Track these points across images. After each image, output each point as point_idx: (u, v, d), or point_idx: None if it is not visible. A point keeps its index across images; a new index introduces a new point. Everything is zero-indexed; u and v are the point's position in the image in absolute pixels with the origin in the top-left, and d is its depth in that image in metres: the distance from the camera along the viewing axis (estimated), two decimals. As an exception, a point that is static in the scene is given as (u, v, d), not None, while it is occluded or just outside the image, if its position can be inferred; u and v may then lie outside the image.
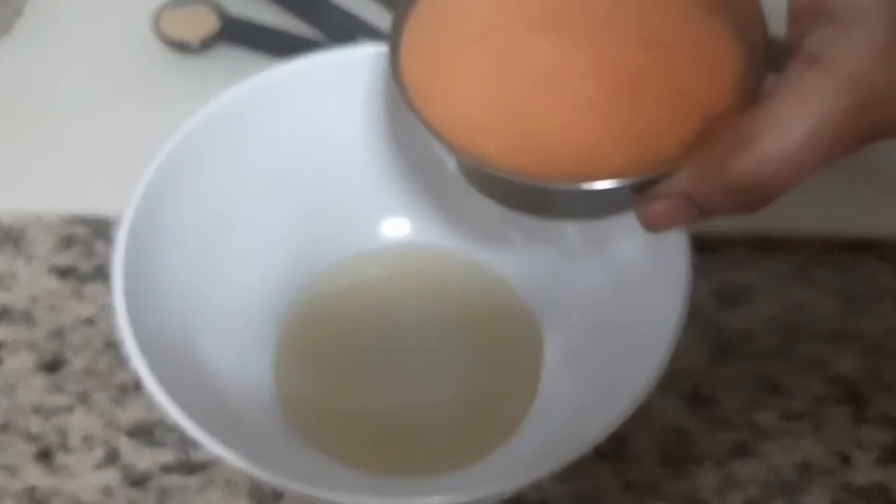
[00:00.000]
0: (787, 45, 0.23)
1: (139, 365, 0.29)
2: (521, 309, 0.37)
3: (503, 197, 0.27)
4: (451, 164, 0.26)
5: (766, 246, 0.41)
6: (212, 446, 0.28)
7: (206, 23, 0.46)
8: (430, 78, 0.26)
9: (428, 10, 0.27)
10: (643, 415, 0.36)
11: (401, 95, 0.25)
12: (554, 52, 0.25)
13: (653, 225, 0.25)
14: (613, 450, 0.35)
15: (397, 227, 0.39)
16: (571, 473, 0.35)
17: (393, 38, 0.26)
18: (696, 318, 0.38)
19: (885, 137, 0.23)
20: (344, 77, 0.36)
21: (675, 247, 0.32)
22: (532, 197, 0.26)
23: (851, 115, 0.22)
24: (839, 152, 0.23)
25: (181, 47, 0.46)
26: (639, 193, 0.24)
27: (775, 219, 0.42)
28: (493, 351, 0.36)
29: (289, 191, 0.38)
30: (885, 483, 0.35)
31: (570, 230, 0.37)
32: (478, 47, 0.26)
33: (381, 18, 0.46)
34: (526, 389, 0.35)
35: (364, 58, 0.36)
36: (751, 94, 0.24)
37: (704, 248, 0.40)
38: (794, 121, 0.22)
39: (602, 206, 0.25)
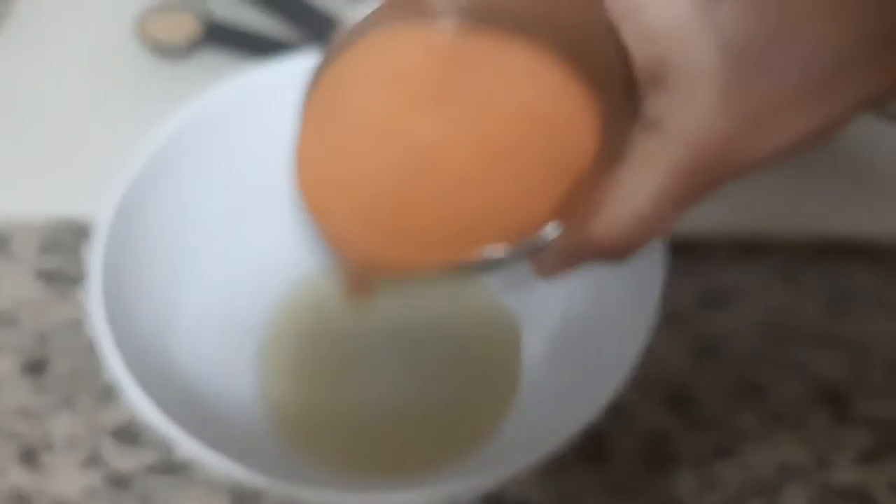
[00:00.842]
0: None
1: (115, 364, 0.29)
2: (499, 310, 0.37)
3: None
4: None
5: (749, 248, 0.41)
6: (188, 447, 0.28)
7: (189, 26, 0.47)
8: (319, 170, 0.26)
9: (322, 94, 0.27)
10: (624, 416, 0.36)
11: (297, 197, 0.26)
12: (434, 129, 0.25)
13: (544, 275, 0.27)
14: (594, 451, 0.35)
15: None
16: (552, 474, 0.35)
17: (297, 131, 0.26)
18: (678, 320, 0.39)
19: (728, 182, 0.25)
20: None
21: (650, 248, 0.32)
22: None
23: (691, 173, 0.24)
24: (686, 205, 0.25)
25: (165, 51, 0.46)
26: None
27: (759, 221, 0.42)
28: (473, 352, 0.36)
29: (269, 194, 0.38)
30: (864, 483, 0.35)
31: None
32: (361, 133, 0.26)
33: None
34: (506, 389, 0.35)
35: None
36: (614, 148, 0.25)
37: (688, 251, 0.41)
38: (637, 185, 0.24)
39: (482, 270, 0.26)
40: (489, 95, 0.26)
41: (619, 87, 0.24)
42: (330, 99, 0.26)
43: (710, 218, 0.41)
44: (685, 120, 0.23)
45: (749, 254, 0.41)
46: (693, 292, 0.40)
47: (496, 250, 0.24)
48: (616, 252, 0.25)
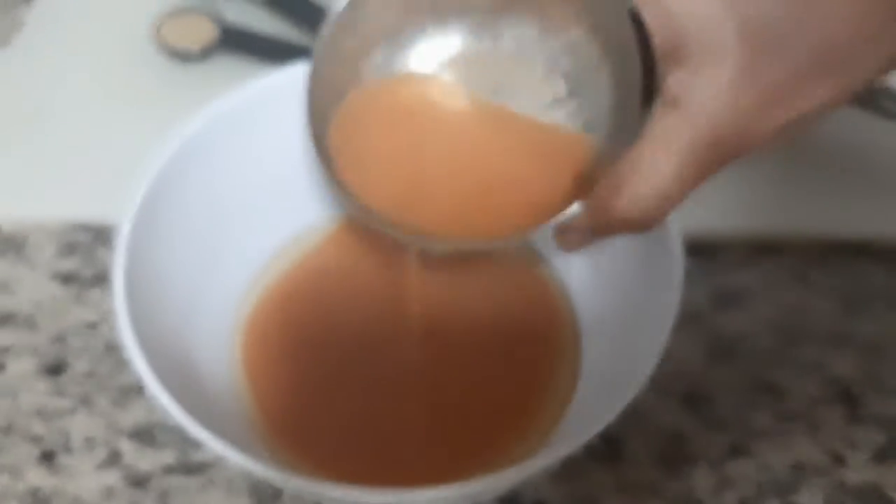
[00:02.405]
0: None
1: (140, 366, 0.30)
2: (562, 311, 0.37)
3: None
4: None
5: (762, 249, 0.41)
6: (213, 445, 0.28)
7: (205, 31, 0.47)
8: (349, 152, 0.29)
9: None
10: (639, 416, 0.36)
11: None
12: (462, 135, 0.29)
13: (567, 248, 0.32)
14: (610, 451, 0.36)
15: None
16: (568, 474, 0.35)
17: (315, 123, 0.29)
18: (693, 321, 0.39)
19: (747, 154, 0.26)
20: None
21: (670, 253, 0.32)
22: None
23: (711, 148, 0.25)
24: (706, 177, 0.26)
25: (181, 56, 0.46)
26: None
27: (772, 223, 0.42)
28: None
29: (285, 194, 0.38)
30: (879, 482, 0.35)
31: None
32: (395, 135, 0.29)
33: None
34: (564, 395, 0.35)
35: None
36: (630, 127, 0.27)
37: (702, 252, 0.41)
38: (658, 162, 0.25)
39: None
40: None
41: (635, 67, 0.25)
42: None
43: (724, 220, 0.42)
44: (705, 98, 0.24)
45: (763, 255, 0.41)
46: (708, 293, 0.40)
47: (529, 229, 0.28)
48: (639, 225, 0.27)
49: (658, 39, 0.24)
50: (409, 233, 0.29)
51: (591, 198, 0.27)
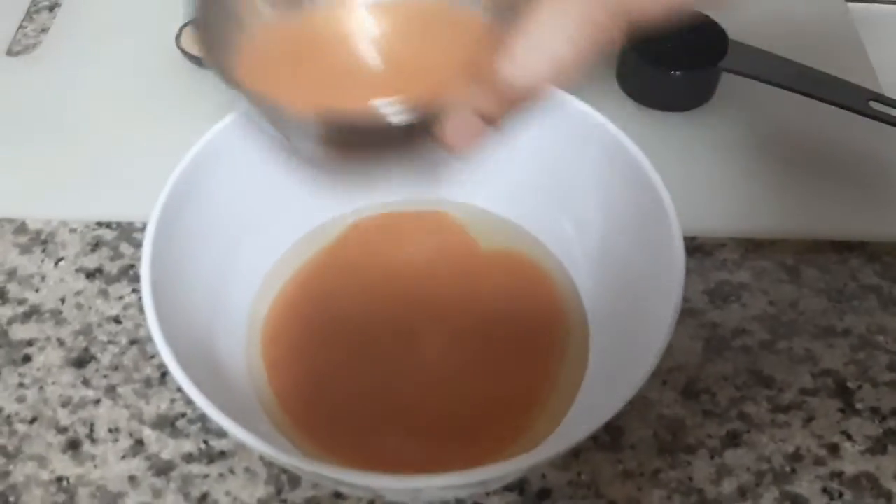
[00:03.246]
0: None
1: (166, 357, 0.30)
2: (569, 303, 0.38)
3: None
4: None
5: (756, 247, 0.43)
6: (238, 433, 0.29)
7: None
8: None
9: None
10: (641, 407, 0.38)
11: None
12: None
13: (453, 145, 0.28)
14: (613, 440, 0.37)
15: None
16: (573, 462, 0.36)
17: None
18: (690, 316, 0.40)
19: (638, 20, 0.25)
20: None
21: (671, 252, 0.33)
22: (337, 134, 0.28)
23: (600, 7, 0.24)
24: (598, 40, 0.25)
25: (203, 63, 0.48)
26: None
27: (765, 222, 0.44)
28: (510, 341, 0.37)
29: (301, 193, 0.40)
30: (873, 472, 0.36)
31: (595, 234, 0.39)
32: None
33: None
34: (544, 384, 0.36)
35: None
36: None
37: (697, 251, 0.42)
38: (549, 25, 0.25)
39: (402, 136, 0.28)
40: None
41: None
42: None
43: (717, 219, 0.43)
44: None
45: (757, 253, 0.43)
46: (704, 290, 0.41)
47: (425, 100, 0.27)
48: (530, 92, 0.26)
49: None
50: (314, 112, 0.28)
51: (483, 71, 0.26)
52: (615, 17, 0.25)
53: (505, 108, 0.26)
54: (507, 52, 0.25)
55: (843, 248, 0.43)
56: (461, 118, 0.27)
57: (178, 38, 0.49)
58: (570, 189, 0.39)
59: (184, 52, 0.48)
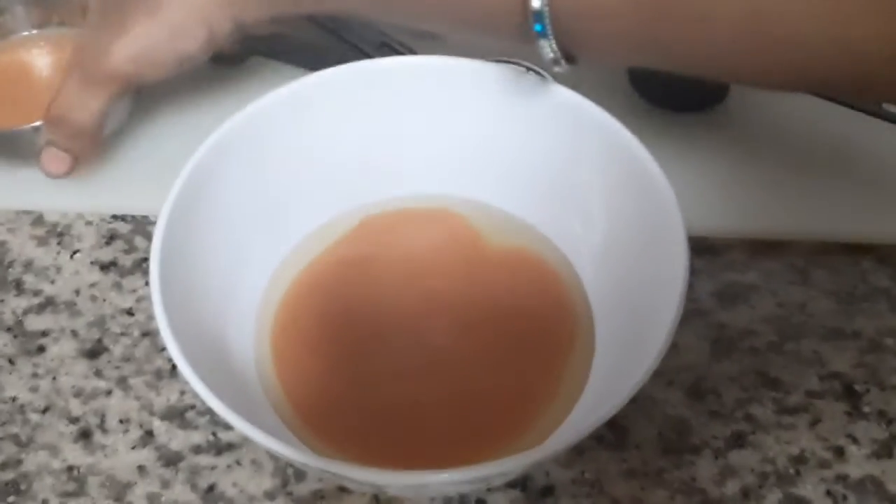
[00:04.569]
0: None
1: (173, 350, 0.31)
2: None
3: None
4: None
5: (765, 248, 0.43)
6: (242, 427, 0.29)
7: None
8: None
9: None
10: (646, 406, 0.38)
11: None
12: None
13: (48, 171, 0.43)
14: (617, 438, 0.37)
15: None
16: (577, 460, 0.36)
17: None
18: (698, 317, 0.40)
19: (104, 76, 0.42)
20: (361, 87, 0.39)
21: (675, 249, 0.33)
22: None
23: (77, 67, 0.42)
24: (83, 89, 0.42)
25: (219, 59, 0.48)
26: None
27: (775, 222, 0.43)
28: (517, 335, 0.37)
29: (310, 189, 0.40)
30: (878, 476, 0.36)
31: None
32: None
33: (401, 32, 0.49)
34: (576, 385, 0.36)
35: (381, 69, 0.39)
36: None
37: (706, 251, 0.42)
38: (63, 82, 0.44)
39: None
40: None
41: None
42: None
43: (727, 220, 0.43)
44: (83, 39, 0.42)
45: (765, 253, 0.42)
46: (711, 290, 0.41)
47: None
48: (57, 120, 0.42)
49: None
50: None
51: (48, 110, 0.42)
52: (87, 73, 0.41)
53: (71, 139, 0.42)
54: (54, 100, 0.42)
55: (854, 250, 0.43)
56: (47, 152, 0.43)
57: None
58: (575, 186, 0.39)
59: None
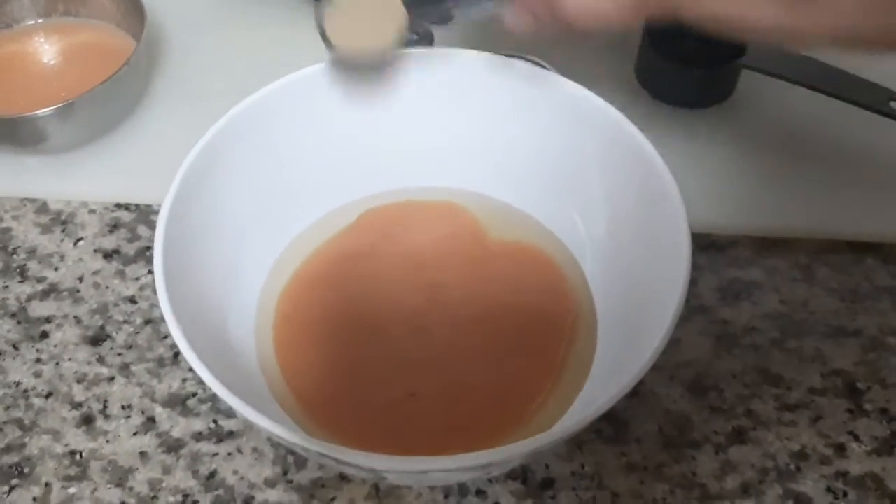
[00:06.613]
0: None
1: (178, 337, 0.31)
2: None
3: None
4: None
5: (769, 245, 0.43)
6: (244, 411, 0.29)
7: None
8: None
9: None
10: (648, 401, 0.38)
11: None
12: None
13: (512, 22, 0.33)
14: (618, 433, 0.37)
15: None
16: (577, 453, 0.36)
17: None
18: (701, 313, 0.40)
19: (680, 13, 0.29)
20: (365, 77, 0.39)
21: (677, 243, 0.33)
22: None
23: None
24: (637, 13, 0.30)
25: None
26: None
27: (779, 220, 0.43)
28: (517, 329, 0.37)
29: (311, 181, 0.40)
30: (879, 473, 0.36)
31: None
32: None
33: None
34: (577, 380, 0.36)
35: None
36: None
37: (711, 247, 0.42)
38: None
39: None
40: None
41: None
42: None
43: (731, 216, 0.43)
44: None
45: (769, 251, 0.42)
46: (715, 286, 0.41)
47: None
48: (570, 25, 0.31)
49: None
50: None
51: None
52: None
53: (549, 20, 0.32)
54: None
55: (859, 248, 0.42)
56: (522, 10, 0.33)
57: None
58: (579, 180, 0.39)
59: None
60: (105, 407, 0.38)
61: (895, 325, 0.40)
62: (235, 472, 0.36)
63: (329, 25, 0.35)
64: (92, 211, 0.45)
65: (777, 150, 0.45)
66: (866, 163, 0.45)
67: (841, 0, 0.26)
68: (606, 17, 0.30)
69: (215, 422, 0.38)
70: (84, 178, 0.45)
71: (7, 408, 0.38)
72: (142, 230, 0.44)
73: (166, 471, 0.36)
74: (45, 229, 0.44)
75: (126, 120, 0.47)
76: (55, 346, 0.40)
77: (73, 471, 0.36)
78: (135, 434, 0.37)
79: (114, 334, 0.40)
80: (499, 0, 0.33)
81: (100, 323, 0.41)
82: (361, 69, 0.36)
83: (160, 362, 0.39)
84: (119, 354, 0.40)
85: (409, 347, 0.37)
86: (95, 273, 0.42)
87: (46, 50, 0.49)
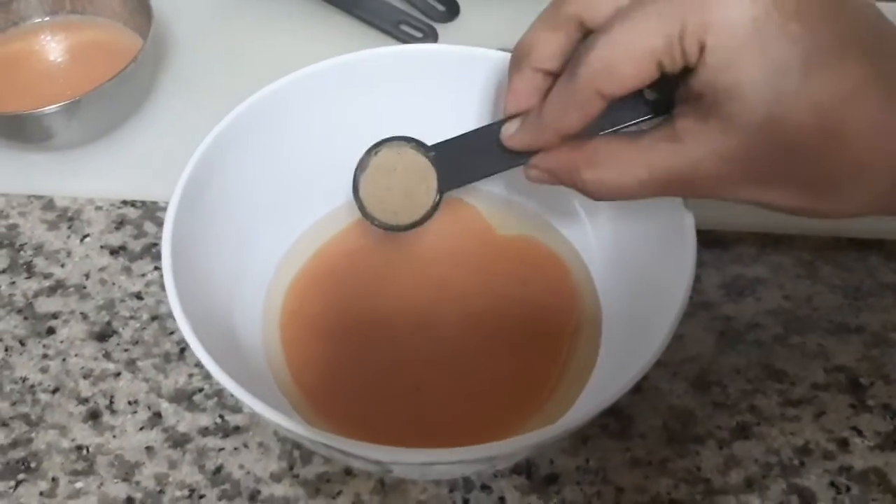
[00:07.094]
0: None
1: (186, 331, 0.31)
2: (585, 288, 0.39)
3: None
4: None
5: (773, 242, 0.43)
6: (251, 402, 0.29)
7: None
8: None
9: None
10: (652, 396, 0.38)
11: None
12: None
13: (531, 179, 0.33)
14: (622, 428, 0.37)
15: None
16: (582, 448, 0.37)
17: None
18: (705, 309, 0.40)
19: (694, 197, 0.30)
20: (370, 73, 0.39)
21: (682, 238, 0.33)
22: None
23: (679, 182, 0.29)
24: (660, 195, 0.30)
25: None
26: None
27: (783, 216, 0.43)
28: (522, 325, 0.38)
29: (314, 179, 0.40)
30: (882, 468, 0.36)
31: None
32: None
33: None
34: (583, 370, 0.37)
35: (392, 56, 0.39)
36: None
37: (715, 244, 0.43)
38: (634, 168, 0.29)
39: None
40: None
41: None
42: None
43: (735, 214, 0.43)
44: (701, 148, 0.28)
45: (773, 247, 0.43)
46: (719, 283, 0.41)
47: None
48: (590, 196, 0.31)
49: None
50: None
51: (566, 156, 0.31)
52: (681, 191, 0.30)
53: (569, 186, 0.31)
54: (593, 160, 0.30)
55: (862, 245, 0.43)
56: (545, 175, 0.32)
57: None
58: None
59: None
60: (111, 402, 0.38)
61: (898, 321, 0.40)
62: (241, 467, 0.36)
63: (364, 191, 0.35)
64: (98, 208, 0.45)
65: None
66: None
67: (863, 190, 0.27)
68: (629, 193, 0.30)
69: (221, 417, 0.38)
70: (90, 175, 0.46)
71: (14, 403, 0.38)
72: (148, 227, 0.44)
73: (173, 465, 0.36)
74: (52, 226, 0.44)
75: (132, 117, 0.48)
76: (62, 341, 0.40)
77: (79, 465, 0.37)
78: (141, 429, 0.37)
79: (120, 330, 0.41)
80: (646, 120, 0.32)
81: (106, 319, 0.41)
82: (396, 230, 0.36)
83: (166, 358, 0.40)
84: (125, 350, 0.40)
85: (415, 342, 0.37)
86: (102, 269, 0.43)
87: (53, 48, 0.49)
